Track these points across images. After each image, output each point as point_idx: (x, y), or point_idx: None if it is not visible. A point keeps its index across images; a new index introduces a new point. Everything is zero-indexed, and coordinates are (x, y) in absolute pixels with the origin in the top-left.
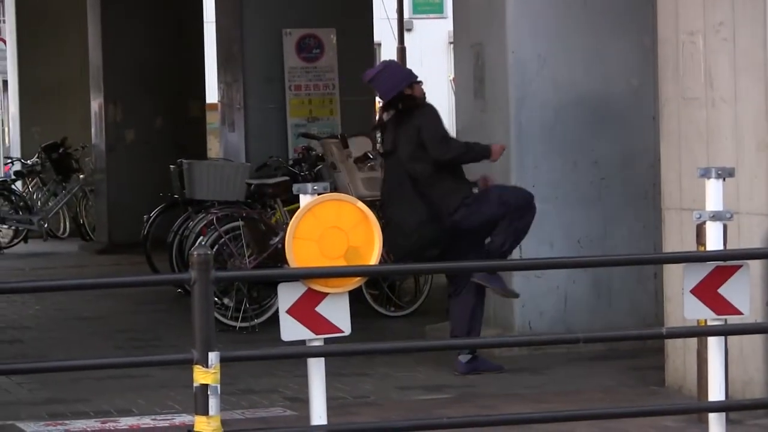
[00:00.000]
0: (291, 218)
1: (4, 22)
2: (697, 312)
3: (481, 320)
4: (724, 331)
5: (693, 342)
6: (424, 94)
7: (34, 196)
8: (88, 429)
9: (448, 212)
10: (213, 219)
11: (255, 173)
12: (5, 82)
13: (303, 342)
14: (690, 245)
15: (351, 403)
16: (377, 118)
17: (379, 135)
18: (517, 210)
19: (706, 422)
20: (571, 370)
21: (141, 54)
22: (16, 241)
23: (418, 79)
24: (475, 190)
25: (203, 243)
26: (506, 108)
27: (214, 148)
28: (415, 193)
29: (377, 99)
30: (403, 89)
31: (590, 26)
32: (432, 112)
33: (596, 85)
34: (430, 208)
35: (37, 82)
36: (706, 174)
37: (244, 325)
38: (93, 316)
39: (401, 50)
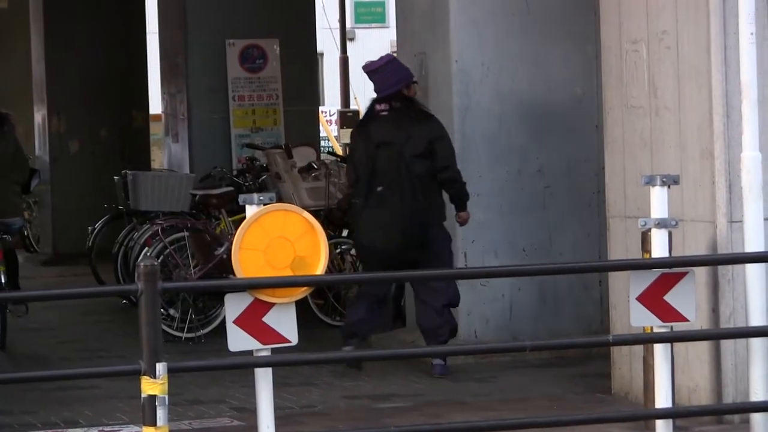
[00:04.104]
0: (236, 229)
1: None
2: (642, 319)
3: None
4: (670, 338)
5: (639, 349)
6: (416, 93)
7: None
8: None
9: (431, 223)
10: (158, 230)
11: (199, 184)
12: None
13: (250, 352)
14: (635, 253)
15: (298, 412)
16: (370, 108)
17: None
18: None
19: (652, 429)
20: (517, 378)
21: (84, 65)
22: None
23: (415, 79)
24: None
25: (148, 254)
26: (450, 116)
27: (157, 158)
28: (415, 191)
29: (321, 109)
30: (401, 88)
31: (533, 35)
32: (443, 127)
33: (540, 94)
34: (422, 212)
35: None
36: (650, 182)
37: (189, 335)
38: (39, 327)
39: (344, 60)
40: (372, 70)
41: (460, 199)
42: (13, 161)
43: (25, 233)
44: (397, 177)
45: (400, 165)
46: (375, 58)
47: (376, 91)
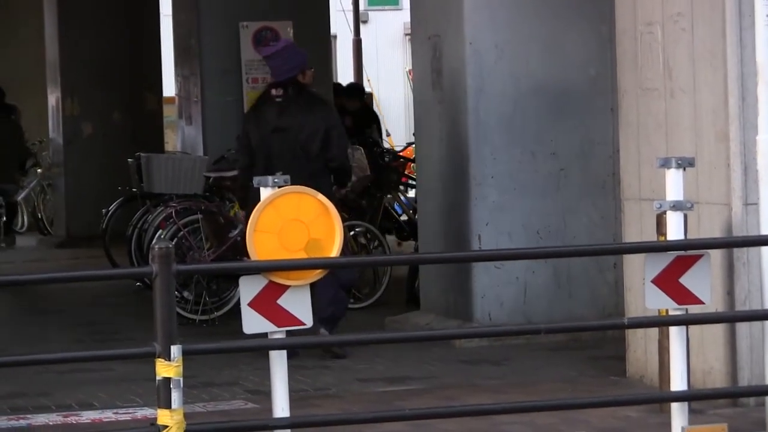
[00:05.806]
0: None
1: None
2: (658, 302)
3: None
4: (685, 321)
5: (654, 332)
6: (312, 80)
7: None
8: (51, 423)
9: None
10: (172, 212)
11: (213, 166)
12: None
13: (265, 335)
14: (649, 236)
15: (312, 395)
16: (264, 92)
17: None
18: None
19: (667, 412)
20: (531, 360)
21: (97, 48)
22: None
23: (310, 67)
24: None
25: (162, 236)
26: (464, 99)
27: (171, 141)
28: (309, 175)
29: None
30: (297, 74)
31: (548, 16)
32: (337, 116)
33: (554, 76)
34: None
35: None
36: (666, 164)
37: (203, 318)
38: (53, 310)
39: (357, 42)
40: (268, 55)
41: (342, 178)
42: (14, 143)
43: (39, 216)
44: (295, 162)
45: (297, 151)
46: (389, 40)
47: (272, 76)
